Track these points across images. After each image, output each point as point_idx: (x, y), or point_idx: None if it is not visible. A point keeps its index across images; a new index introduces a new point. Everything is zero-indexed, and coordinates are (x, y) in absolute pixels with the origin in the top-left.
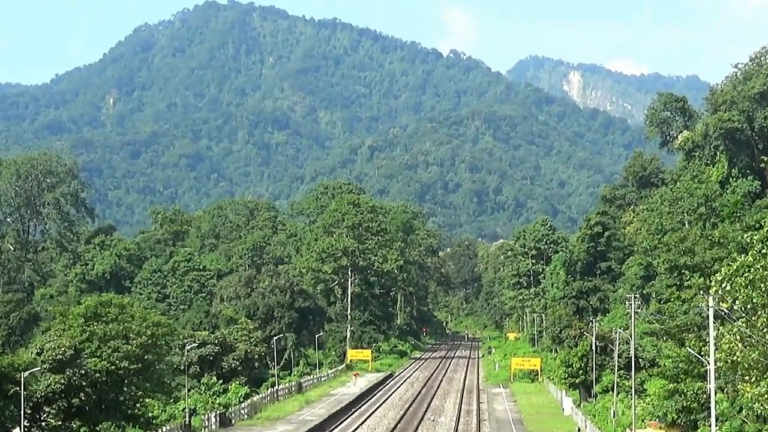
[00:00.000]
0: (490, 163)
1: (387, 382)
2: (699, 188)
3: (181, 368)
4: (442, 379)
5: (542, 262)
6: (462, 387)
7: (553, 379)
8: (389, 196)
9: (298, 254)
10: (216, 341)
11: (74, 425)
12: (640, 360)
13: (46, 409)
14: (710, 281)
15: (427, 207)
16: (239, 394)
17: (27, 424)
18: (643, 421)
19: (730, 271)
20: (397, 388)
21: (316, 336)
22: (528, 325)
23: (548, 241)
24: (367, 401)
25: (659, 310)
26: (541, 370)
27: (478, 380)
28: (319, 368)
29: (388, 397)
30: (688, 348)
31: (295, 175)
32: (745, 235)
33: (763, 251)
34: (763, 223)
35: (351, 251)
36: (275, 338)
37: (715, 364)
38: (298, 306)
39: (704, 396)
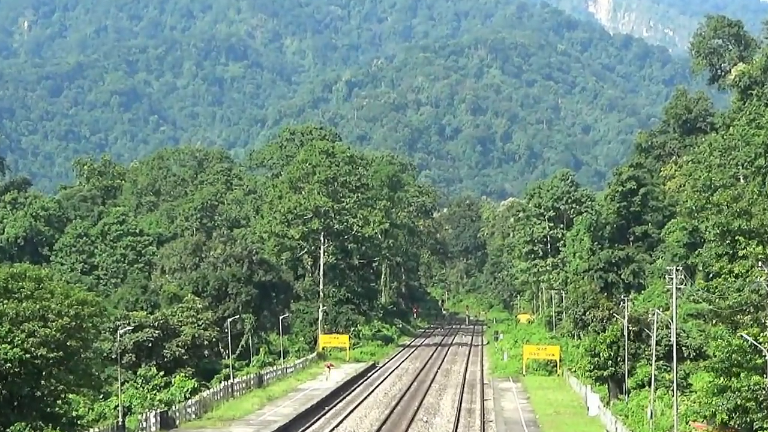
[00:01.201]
0: (497, 104)
1: (369, 375)
2: (757, 135)
3: (113, 357)
4: (437, 372)
5: (562, 225)
6: (462, 381)
7: (575, 371)
8: (372, 143)
9: (258, 216)
10: (156, 324)
11: None
12: (683, 348)
13: None
14: None
15: (418, 158)
16: (185, 389)
17: None
18: (687, 422)
19: None
20: (382, 382)
21: (281, 318)
22: (544, 305)
23: (569, 200)
24: (344, 398)
25: (707, 286)
26: (560, 361)
27: (482, 373)
28: (284, 357)
29: (371, 393)
30: (742, 334)
31: (254, 118)
32: None
33: None
34: None
35: (324, 212)
36: (230, 320)
37: None
38: (258, 280)
39: (763, 392)
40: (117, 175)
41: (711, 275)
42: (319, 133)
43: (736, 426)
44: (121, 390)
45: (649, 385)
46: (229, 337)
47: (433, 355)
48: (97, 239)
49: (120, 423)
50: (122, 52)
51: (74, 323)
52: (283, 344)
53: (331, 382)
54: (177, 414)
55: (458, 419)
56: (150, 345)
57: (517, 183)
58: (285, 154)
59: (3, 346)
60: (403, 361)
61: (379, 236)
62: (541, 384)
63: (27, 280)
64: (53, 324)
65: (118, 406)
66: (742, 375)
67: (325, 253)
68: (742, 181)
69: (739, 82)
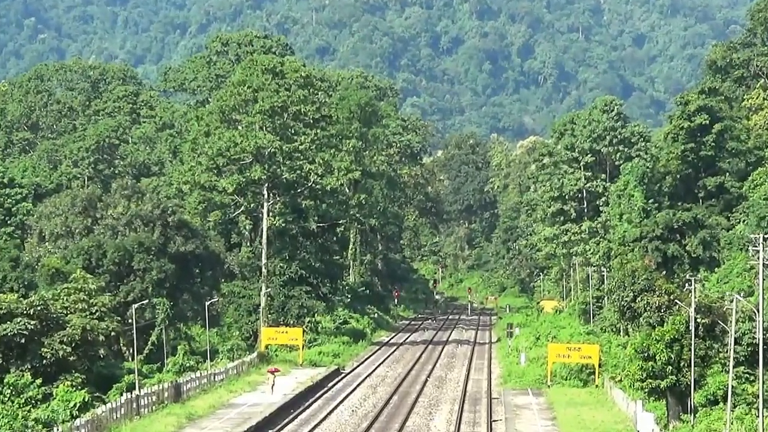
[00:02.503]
0: (513, 3)
1: (330, 385)
2: None
3: None
4: (426, 381)
5: (604, 176)
6: (461, 394)
7: (620, 380)
8: (337, 59)
9: (175, 160)
10: (31, 311)
11: None
12: None
13: None
14: None
15: (402, 79)
16: (72, 404)
17: None
18: None
19: None
20: (349, 395)
21: (207, 304)
22: (577, 288)
23: (614, 141)
24: (295, 418)
25: None
26: (599, 366)
27: (490, 383)
28: (211, 360)
29: (332, 412)
30: None
31: (171, 22)
32: None
33: None
34: None
35: (269, 155)
36: (135, 307)
37: None
38: (176, 251)
39: None
40: None
41: None
42: (262, 44)
43: None
44: None
45: (725, 401)
46: (134, 331)
47: (421, 356)
48: None
49: None
50: None
51: None
52: (210, 341)
53: (277, 395)
54: None
55: None
56: (22, 341)
57: (541, 116)
58: (214, 73)
59: None
60: (378, 366)
61: (347, 190)
62: (572, 399)
63: None
64: None
65: None
66: None
67: (271, 214)
68: None
69: None
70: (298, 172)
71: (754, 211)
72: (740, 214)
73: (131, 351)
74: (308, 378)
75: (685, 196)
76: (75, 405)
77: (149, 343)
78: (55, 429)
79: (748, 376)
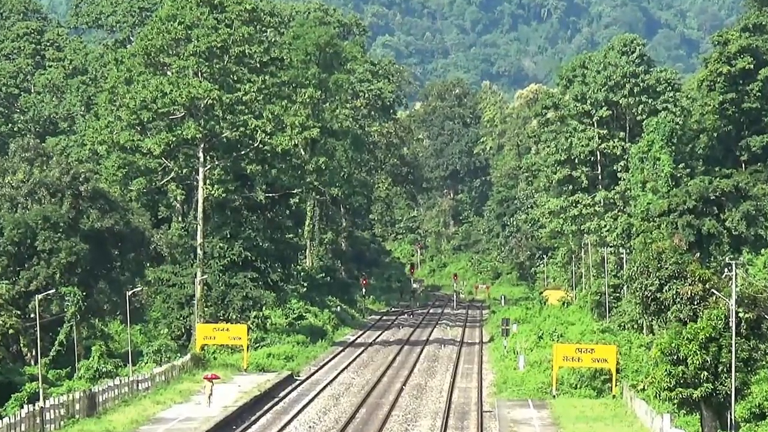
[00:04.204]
0: None
1: (282, 396)
2: None
3: None
4: (401, 390)
5: (622, 135)
6: (445, 407)
7: (644, 389)
8: None
9: (89, 114)
10: None
11: None
12: None
13: None
14: None
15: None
16: None
17: None
18: None
19: None
20: (305, 407)
21: (128, 294)
22: (590, 274)
23: (636, 90)
24: None
25: None
26: (617, 372)
27: (481, 392)
28: (134, 363)
29: (284, 428)
30: None
31: None
32: None
33: None
34: None
35: (205, 107)
36: (38, 298)
37: None
38: (90, 227)
39: None
40: None
41: None
42: None
43: None
44: None
45: None
46: (38, 328)
47: (394, 360)
48: None
49: None
50: None
51: None
52: (132, 340)
53: (216, 408)
54: None
55: None
56: None
57: (545, 59)
58: (137, 5)
59: None
60: (342, 371)
61: (302, 152)
62: (583, 412)
63: None
64: None
65: None
66: None
67: (208, 182)
68: None
69: None
70: (242, 129)
71: None
72: None
73: (34, 353)
74: (254, 386)
75: (724, 160)
76: None
77: (56, 342)
78: None
79: None
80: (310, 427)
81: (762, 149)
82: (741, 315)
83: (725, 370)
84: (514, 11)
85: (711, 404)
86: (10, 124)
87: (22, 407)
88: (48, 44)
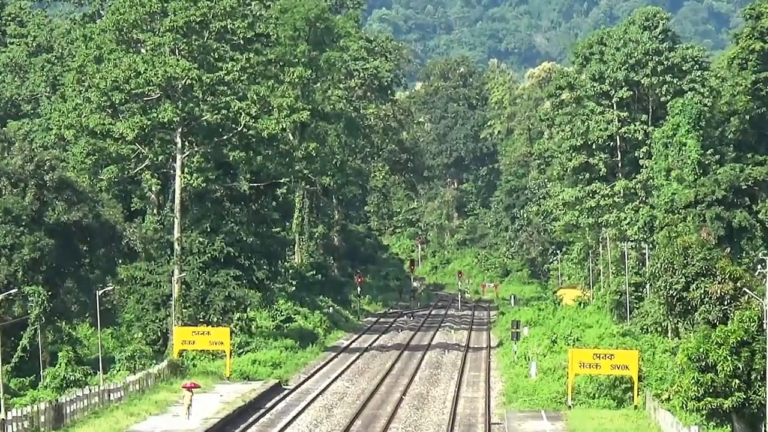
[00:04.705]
0: None
1: (268, 407)
2: None
3: None
4: (401, 400)
5: (645, 117)
6: (450, 419)
7: (668, 398)
8: None
9: (55, 95)
10: None
11: None
12: None
13: None
14: None
15: None
16: None
17: None
18: None
19: None
20: (293, 420)
21: (98, 294)
22: (609, 271)
23: (659, 68)
24: None
25: None
26: (639, 380)
27: (489, 402)
28: (105, 371)
29: None
30: None
31: None
32: None
33: None
34: None
35: (184, 88)
36: None
37: None
38: (56, 221)
39: None
40: None
41: None
42: None
43: None
44: None
45: None
46: None
47: (393, 367)
48: None
49: None
50: None
51: None
52: (103, 345)
53: (195, 420)
54: None
55: None
56: None
57: (558, 34)
58: None
59: None
60: (335, 379)
61: (291, 137)
62: (602, 424)
63: None
64: None
65: None
66: None
67: (186, 170)
68: None
69: None
70: (224, 112)
71: None
72: None
73: None
74: (238, 396)
75: (757, 145)
76: None
77: (19, 348)
78: None
79: None
80: None
81: None
82: None
83: (759, 377)
84: None
85: (743, 415)
86: None
87: None
88: (9, 19)
